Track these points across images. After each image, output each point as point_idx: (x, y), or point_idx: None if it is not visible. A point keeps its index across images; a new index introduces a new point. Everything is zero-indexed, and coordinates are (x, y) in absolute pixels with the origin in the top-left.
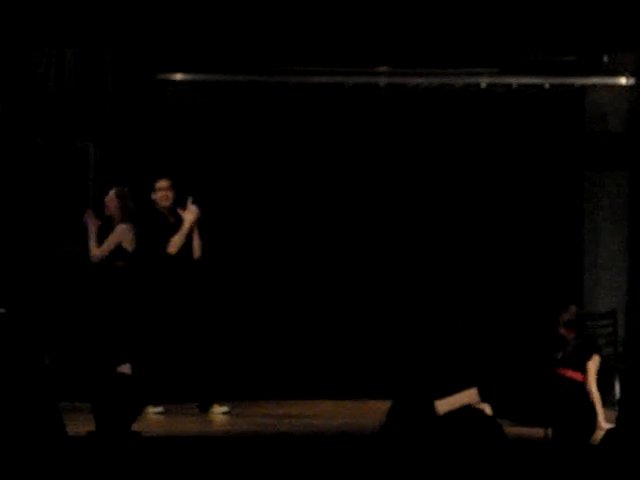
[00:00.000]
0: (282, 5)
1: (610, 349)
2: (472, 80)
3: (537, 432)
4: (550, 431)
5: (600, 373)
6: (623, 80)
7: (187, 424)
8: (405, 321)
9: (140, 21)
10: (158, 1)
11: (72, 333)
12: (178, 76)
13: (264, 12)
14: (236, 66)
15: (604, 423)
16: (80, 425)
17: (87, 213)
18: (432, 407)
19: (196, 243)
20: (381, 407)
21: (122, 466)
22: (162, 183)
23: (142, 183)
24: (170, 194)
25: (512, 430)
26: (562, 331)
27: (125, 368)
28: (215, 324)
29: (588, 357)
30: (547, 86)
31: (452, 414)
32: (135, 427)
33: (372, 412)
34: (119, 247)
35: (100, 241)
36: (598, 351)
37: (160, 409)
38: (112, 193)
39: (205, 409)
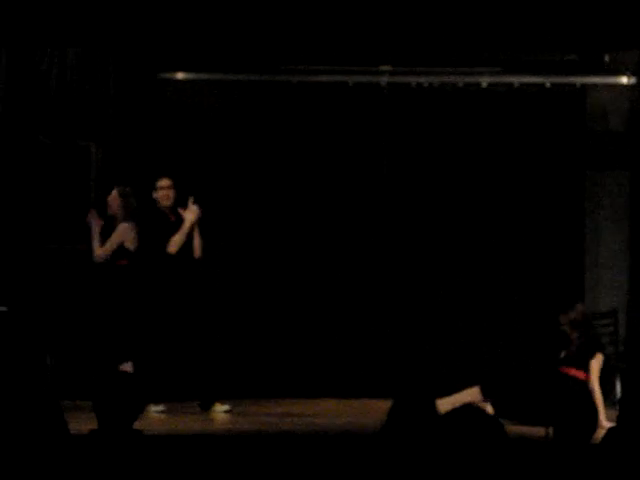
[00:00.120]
0: (284, 4)
1: (611, 348)
2: (473, 79)
3: (538, 431)
4: (551, 430)
5: (601, 372)
6: (624, 79)
7: (188, 422)
8: (407, 320)
9: (142, 20)
10: (160, 0)
11: (74, 331)
12: (180, 75)
13: (266, 11)
14: (238, 65)
15: (605, 422)
16: (82, 423)
17: (90, 213)
18: (433, 406)
19: (197, 242)
20: (382, 406)
21: (124, 464)
22: (163, 182)
23: (144, 182)
24: (171, 193)
25: (513, 429)
26: (566, 329)
27: (127, 366)
28: (216, 323)
29: (591, 356)
30: (548, 85)
31: (453, 413)
32: (137, 425)
33: (374, 411)
34: (122, 246)
35: (103, 240)
36: (601, 350)
37: (161, 407)
38: (115, 192)
39: (206, 407)
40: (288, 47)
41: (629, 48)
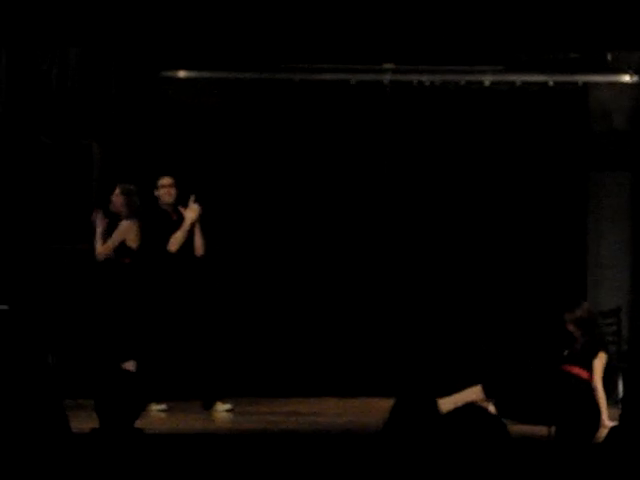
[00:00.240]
0: (286, 2)
1: (614, 348)
2: (476, 78)
3: (540, 430)
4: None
5: (604, 371)
6: (627, 78)
7: (190, 421)
8: (409, 319)
9: (143, 19)
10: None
11: (75, 330)
12: (181, 74)
13: (268, 9)
14: (240, 63)
15: (608, 421)
16: (84, 422)
17: (95, 212)
18: (435, 405)
19: (198, 241)
20: (384, 405)
21: (125, 463)
22: (165, 180)
23: (145, 181)
24: (173, 191)
25: (515, 428)
26: (571, 328)
27: (130, 365)
28: (218, 322)
29: (595, 355)
30: (551, 84)
31: (455, 412)
32: (138, 424)
33: (375, 410)
34: (124, 244)
35: (106, 239)
36: (605, 349)
37: (163, 406)
38: (118, 190)
39: (208, 406)
40: (290, 45)
41: (632, 47)
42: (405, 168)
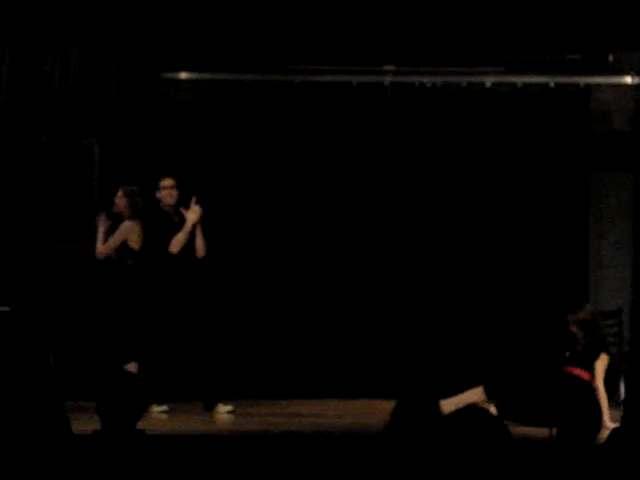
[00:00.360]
0: (287, 4)
1: (615, 349)
2: (477, 79)
3: (542, 432)
4: (555, 431)
5: (606, 373)
6: (628, 79)
7: (191, 423)
8: (410, 320)
9: (145, 20)
10: (163, 0)
11: (77, 332)
12: (183, 75)
13: (269, 11)
14: (241, 65)
15: (609, 423)
16: (85, 424)
17: (99, 215)
18: (437, 406)
19: (199, 242)
20: (385, 406)
21: (127, 464)
22: (166, 182)
23: (147, 181)
24: (174, 193)
25: (517, 430)
26: (574, 329)
27: (131, 367)
28: (219, 323)
29: (596, 356)
30: (552, 85)
31: (457, 414)
32: (140, 426)
33: (376, 411)
34: (127, 245)
35: (107, 239)
36: (607, 350)
37: (165, 408)
38: (120, 192)
39: (210, 408)
40: (291, 47)
41: (633, 48)
42: (406, 170)
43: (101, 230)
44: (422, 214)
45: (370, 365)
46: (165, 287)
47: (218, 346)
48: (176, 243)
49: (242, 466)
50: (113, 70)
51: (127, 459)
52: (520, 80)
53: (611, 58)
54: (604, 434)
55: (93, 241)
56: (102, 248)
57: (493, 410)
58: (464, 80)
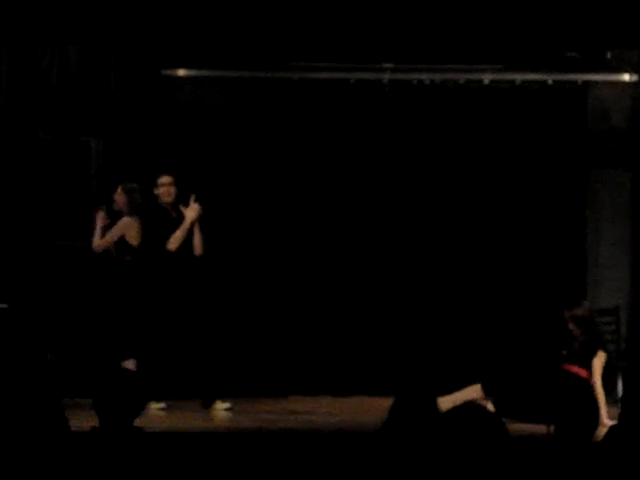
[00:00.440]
0: (286, 1)
1: (613, 346)
2: (475, 76)
3: (539, 429)
4: (552, 428)
5: (603, 370)
6: (626, 77)
7: (189, 420)
8: (407, 317)
9: (143, 17)
10: None
11: (75, 329)
12: (181, 72)
13: (267, 8)
14: (239, 62)
15: (607, 420)
16: (83, 421)
17: (98, 212)
18: (434, 404)
19: (197, 240)
20: (382, 404)
21: (125, 462)
22: (164, 179)
23: (145, 178)
24: (172, 190)
25: (514, 427)
26: (571, 326)
27: (130, 364)
28: (217, 321)
29: (594, 353)
30: (550, 82)
31: (454, 411)
32: (137, 423)
33: (372, 409)
34: (125, 242)
35: (104, 235)
36: (604, 348)
37: (162, 405)
38: (119, 189)
39: (207, 405)
40: (290, 44)
41: (631, 45)
42: (405, 167)
43: (99, 225)
44: (420, 212)
45: (364, 362)
46: (163, 284)
47: (216, 344)
48: (174, 240)
49: (240, 463)
50: (111, 67)
51: (125, 456)
52: (518, 77)
53: (609, 56)
54: (601, 431)
55: (90, 237)
56: (100, 242)
57: (491, 407)
58: (462, 77)
